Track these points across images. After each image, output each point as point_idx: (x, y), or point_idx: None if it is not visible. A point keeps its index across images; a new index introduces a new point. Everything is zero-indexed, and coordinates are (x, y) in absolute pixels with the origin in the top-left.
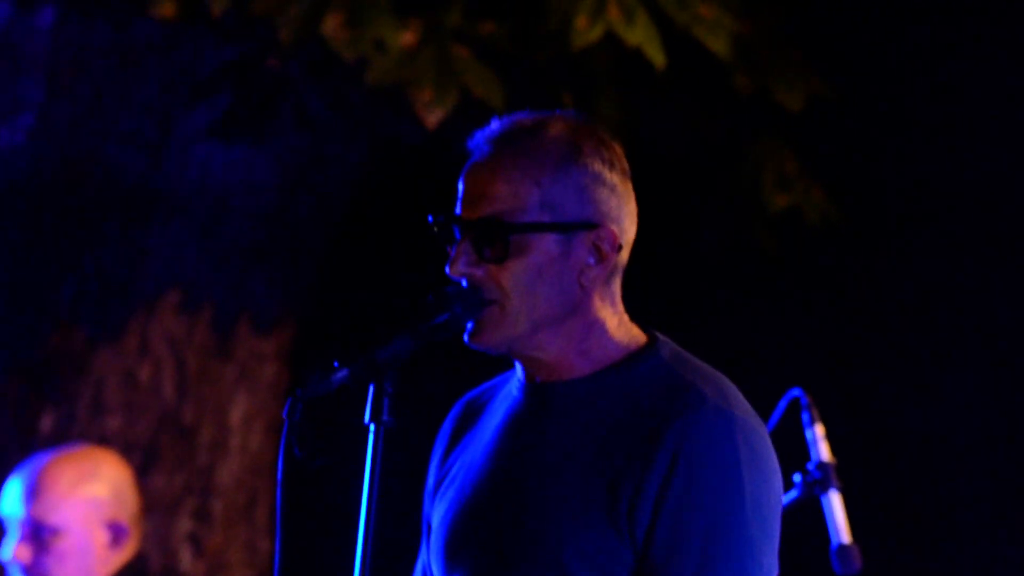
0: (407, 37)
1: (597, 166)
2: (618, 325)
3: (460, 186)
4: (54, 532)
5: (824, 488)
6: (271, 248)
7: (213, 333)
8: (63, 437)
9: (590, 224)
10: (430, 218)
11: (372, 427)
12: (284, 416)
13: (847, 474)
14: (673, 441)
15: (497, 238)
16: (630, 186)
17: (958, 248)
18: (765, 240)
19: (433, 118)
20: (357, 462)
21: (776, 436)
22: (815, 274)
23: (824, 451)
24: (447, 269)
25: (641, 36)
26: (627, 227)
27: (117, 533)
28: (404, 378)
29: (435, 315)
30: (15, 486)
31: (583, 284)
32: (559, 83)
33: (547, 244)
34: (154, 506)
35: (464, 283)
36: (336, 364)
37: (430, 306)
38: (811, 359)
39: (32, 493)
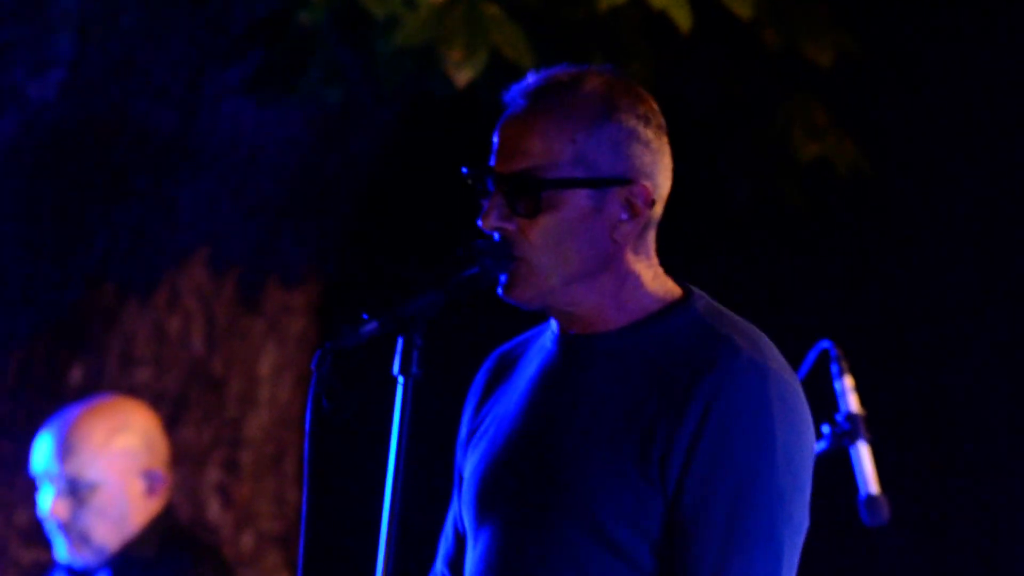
0: None
1: (632, 122)
2: (653, 278)
3: (495, 139)
4: (91, 487)
5: (853, 439)
6: (300, 203)
7: (242, 287)
8: (93, 389)
9: (624, 180)
10: (464, 170)
11: (401, 379)
12: (313, 368)
13: (876, 425)
14: (706, 393)
15: (529, 193)
16: (666, 141)
17: (988, 201)
18: (792, 193)
19: (463, 77)
20: (386, 415)
21: (806, 387)
22: (845, 226)
23: (853, 402)
24: (479, 222)
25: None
26: (661, 182)
27: (152, 481)
28: (436, 330)
29: (465, 268)
30: (47, 442)
31: (616, 239)
32: (588, 41)
33: (580, 199)
34: (183, 457)
35: (496, 236)
36: (365, 316)
37: (460, 259)
38: (840, 311)
39: (65, 449)
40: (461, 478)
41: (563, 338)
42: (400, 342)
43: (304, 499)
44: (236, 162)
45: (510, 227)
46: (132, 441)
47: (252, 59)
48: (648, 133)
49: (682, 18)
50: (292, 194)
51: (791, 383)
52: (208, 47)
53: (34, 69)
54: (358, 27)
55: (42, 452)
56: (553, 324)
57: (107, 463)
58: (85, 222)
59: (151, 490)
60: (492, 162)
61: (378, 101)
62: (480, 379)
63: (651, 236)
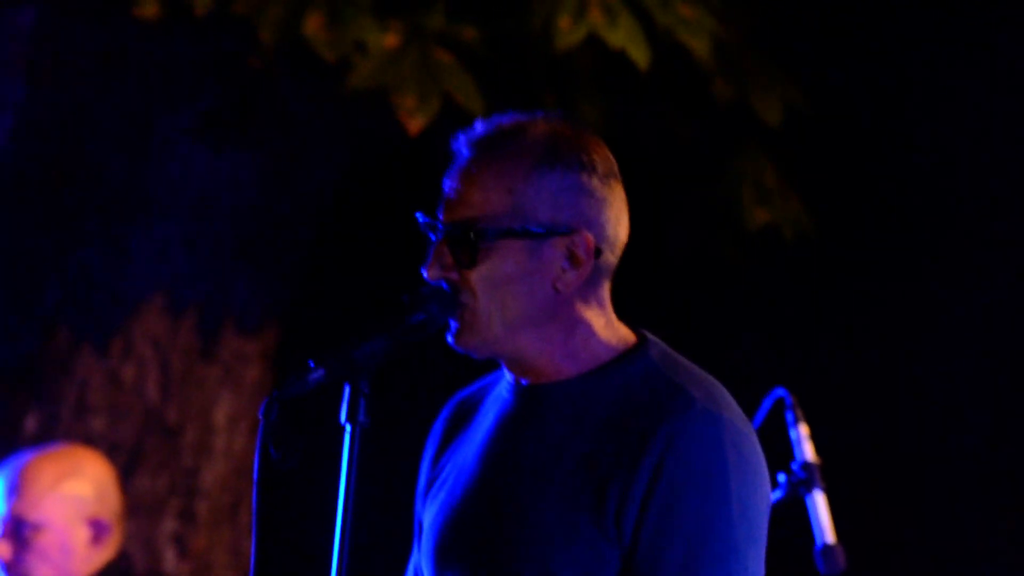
0: (389, 39)
1: (574, 171)
2: (605, 325)
3: (444, 188)
4: (35, 528)
5: (809, 488)
6: (254, 249)
7: (197, 334)
8: (47, 437)
9: (563, 230)
10: (418, 216)
11: (348, 427)
12: (260, 416)
13: (831, 474)
14: (660, 443)
15: (467, 244)
16: (617, 188)
17: (942, 245)
18: (732, 255)
19: (416, 125)
20: (338, 463)
21: (761, 435)
22: (797, 274)
23: (809, 451)
24: (423, 271)
25: (624, 37)
26: (610, 231)
27: (98, 530)
28: (386, 378)
29: (411, 315)
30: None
31: (558, 288)
32: (541, 85)
33: (517, 250)
34: (138, 507)
35: (444, 285)
36: (312, 364)
37: (406, 306)
38: (795, 360)
39: (13, 490)
40: (421, 527)
41: (517, 388)
42: (347, 389)
43: (252, 549)
44: (188, 207)
45: (452, 276)
46: (81, 488)
47: (203, 103)
48: (593, 181)
49: (640, 56)
50: (245, 239)
51: (746, 432)
52: (159, 91)
53: None
54: (309, 70)
55: None
56: (507, 373)
57: (52, 506)
58: (37, 269)
59: (97, 539)
60: (440, 211)
61: (330, 144)
62: (438, 427)
63: (604, 285)
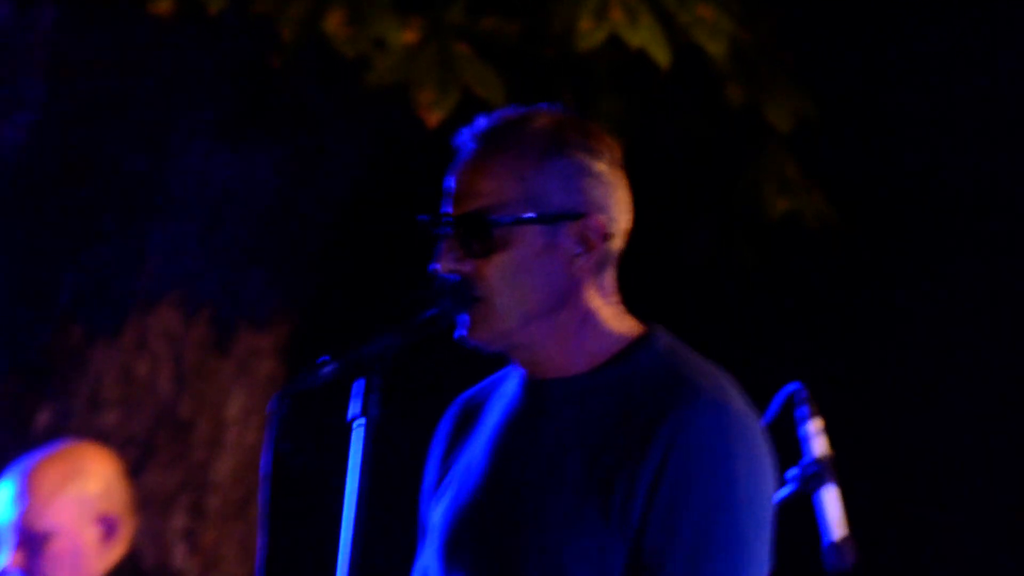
0: (408, 35)
1: (582, 156)
2: (614, 315)
3: (448, 183)
4: (45, 535)
5: (820, 483)
6: (270, 245)
7: (211, 329)
8: (60, 432)
9: (575, 214)
10: (421, 217)
11: (360, 421)
12: (270, 411)
13: (844, 470)
14: (666, 434)
15: (481, 233)
16: (621, 175)
17: (956, 246)
18: (750, 255)
19: (434, 118)
20: (348, 458)
21: (774, 429)
22: (813, 271)
23: (821, 445)
24: (434, 266)
25: (645, 37)
26: (617, 216)
27: (108, 527)
28: (398, 374)
29: (423, 310)
30: (5, 493)
31: (572, 274)
32: (561, 82)
33: (532, 237)
34: (149, 502)
35: (455, 279)
36: (324, 359)
37: (418, 301)
38: (810, 355)
39: (19, 498)
40: (427, 527)
41: (527, 383)
42: (359, 384)
43: (261, 544)
44: (205, 204)
45: (465, 268)
46: (86, 487)
47: (221, 101)
48: (600, 166)
49: (661, 56)
50: (261, 236)
51: (752, 423)
52: (177, 89)
53: (3, 111)
54: (328, 68)
55: (1, 504)
56: (516, 369)
57: (59, 511)
58: (54, 264)
59: (108, 536)
60: (446, 207)
61: (348, 142)
62: (445, 426)
63: (610, 272)
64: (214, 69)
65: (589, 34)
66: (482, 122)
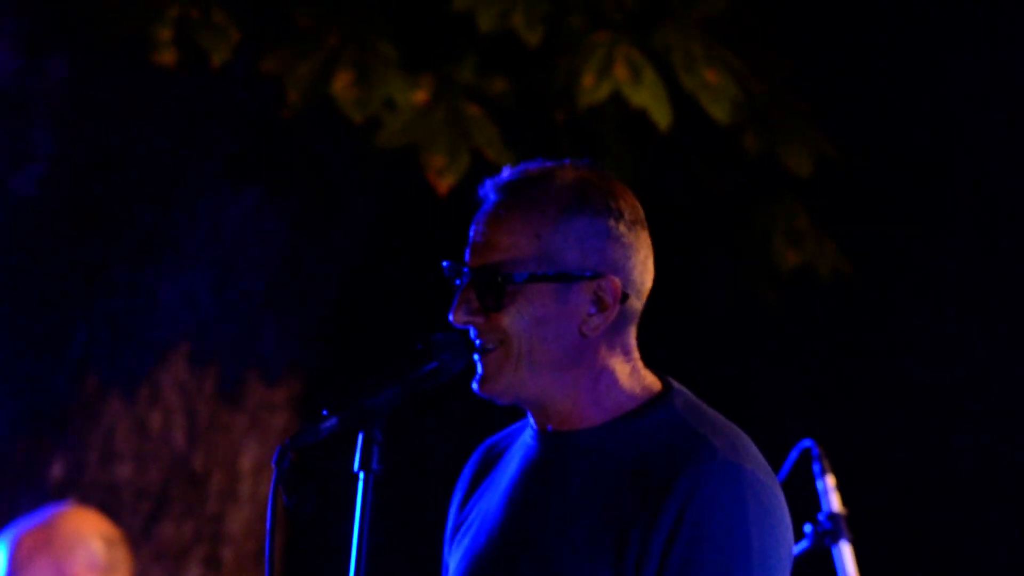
0: (418, 95)
1: (602, 216)
2: (630, 374)
3: (470, 233)
4: None
5: (835, 539)
6: (282, 297)
7: (224, 382)
8: (73, 484)
9: (590, 274)
10: (444, 264)
11: (361, 475)
12: (273, 464)
13: (858, 526)
14: (681, 494)
15: (495, 287)
16: (643, 235)
17: (969, 296)
18: (770, 296)
19: (444, 185)
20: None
21: (787, 486)
22: (827, 326)
23: (835, 502)
24: (450, 316)
25: (647, 97)
26: (636, 277)
27: None
28: (404, 425)
29: (424, 363)
30: None
31: (584, 333)
32: (567, 139)
33: (544, 294)
34: (164, 554)
35: (472, 332)
36: (325, 412)
37: (418, 354)
38: (823, 411)
39: (5, 565)
40: (446, 570)
41: (541, 435)
42: (360, 438)
43: None
44: (217, 256)
45: (479, 320)
46: (60, 556)
47: (233, 152)
48: (620, 227)
49: (661, 117)
50: (273, 288)
51: (768, 484)
52: (189, 140)
53: (14, 162)
54: (339, 123)
55: None
56: (531, 420)
57: None
58: (66, 316)
59: None
60: (466, 256)
61: (359, 194)
62: (467, 472)
63: (629, 331)
64: (224, 120)
65: (591, 91)
66: (506, 174)
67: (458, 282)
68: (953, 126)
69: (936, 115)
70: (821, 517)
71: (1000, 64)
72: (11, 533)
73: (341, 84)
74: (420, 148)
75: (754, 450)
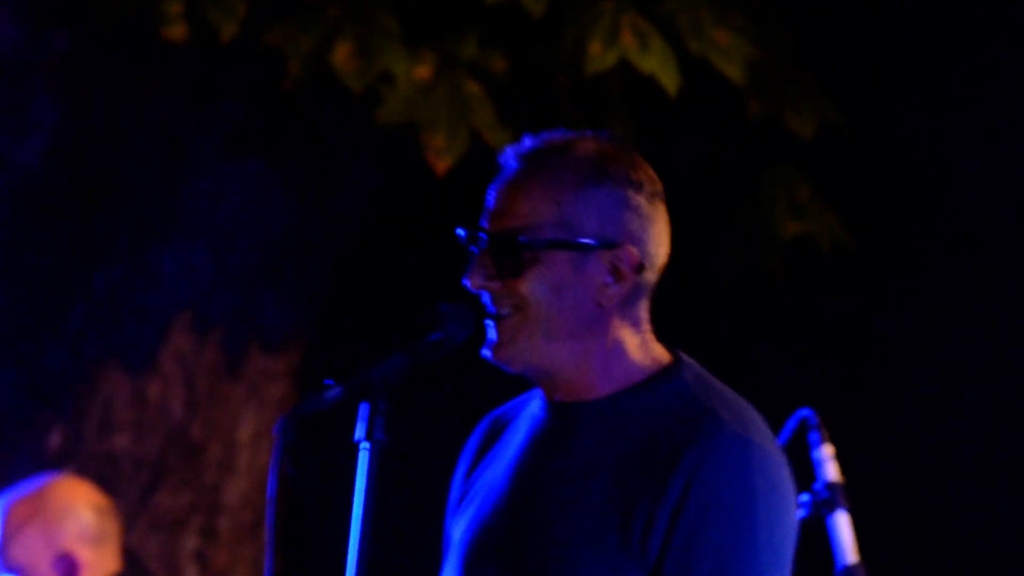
0: (420, 71)
1: (622, 187)
2: (639, 346)
3: (488, 199)
4: (13, 572)
5: (832, 508)
6: (282, 268)
7: (222, 352)
8: (71, 455)
9: (608, 243)
10: (459, 230)
11: (365, 445)
12: (275, 434)
13: (856, 495)
14: (688, 466)
15: (512, 253)
16: (660, 208)
17: (968, 268)
18: (773, 267)
19: (443, 166)
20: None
21: (784, 455)
22: (826, 297)
23: (832, 471)
24: (464, 280)
25: (655, 63)
26: (652, 249)
27: (69, 565)
28: (409, 396)
29: (428, 333)
30: None
31: (600, 302)
32: (571, 107)
33: (562, 261)
34: (161, 524)
35: (485, 297)
36: (329, 382)
37: (423, 324)
38: (821, 380)
39: None
40: (449, 542)
41: (549, 405)
42: (364, 408)
43: (268, 566)
44: (217, 227)
45: (494, 285)
46: (47, 524)
47: (234, 124)
48: (639, 199)
49: (670, 82)
50: (273, 259)
51: (775, 457)
52: (190, 112)
53: (17, 134)
54: (340, 95)
55: None
56: (539, 391)
57: (22, 548)
58: (66, 286)
59: (70, 573)
60: (483, 222)
61: (360, 167)
62: (472, 444)
63: (642, 304)
64: (226, 91)
65: (599, 58)
66: (527, 142)
67: (473, 248)
68: (956, 99)
69: (939, 87)
70: (818, 487)
71: (1008, 36)
72: (1, 503)
73: (341, 55)
74: (420, 127)
75: (762, 424)
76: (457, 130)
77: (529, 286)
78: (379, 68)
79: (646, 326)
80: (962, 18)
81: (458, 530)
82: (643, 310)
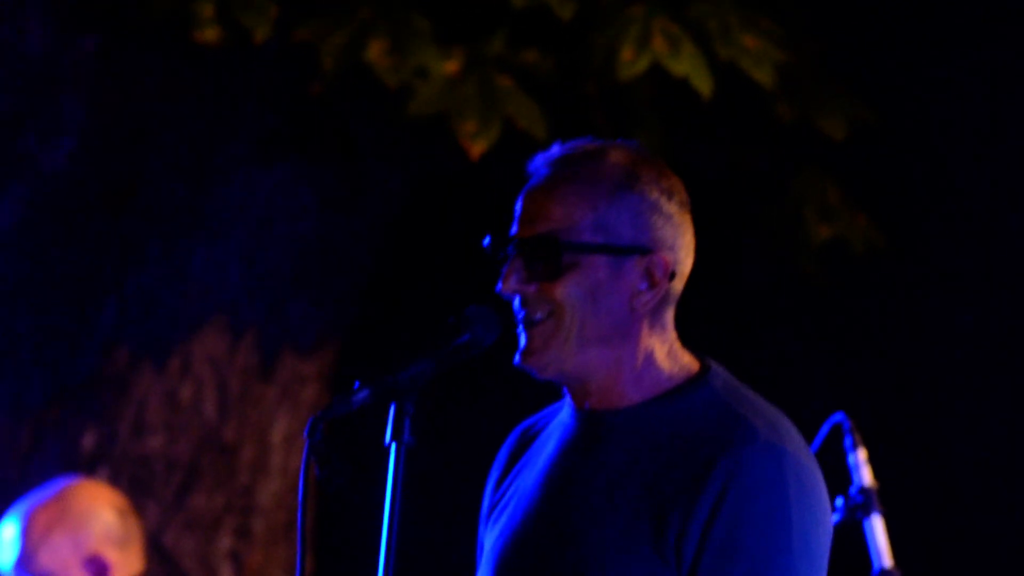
0: (450, 66)
1: (654, 194)
2: (667, 354)
3: (517, 207)
4: None
5: (866, 512)
6: (313, 271)
7: (255, 354)
8: (105, 457)
9: (643, 249)
10: (486, 239)
11: (393, 447)
12: (305, 437)
13: (889, 499)
14: (722, 475)
15: (549, 256)
16: (688, 218)
17: (1003, 269)
18: (809, 269)
19: (477, 149)
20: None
21: (818, 460)
22: (859, 300)
23: (867, 475)
24: (498, 287)
25: (687, 67)
26: (682, 257)
27: (99, 568)
28: (438, 399)
29: (456, 336)
30: (8, 532)
31: (634, 308)
32: (601, 112)
33: (598, 265)
34: (195, 524)
35: (517, 303)
36: (357, 385)
37: (451, 328)
38: (855, 384)
39: (13, 545)
40: (482, 550)
41: (580, 413)
42: (392, 410)
43: (298, 566)
44: (248, 229)
45: (530, 290)
46: (75, 529)
47: (264, 126)
48: (671, 207)
49: (703, 85)
50: (304, 261)
51: (808, 465)
52: (220, 115)
53: (45, 138)
54: (370, 96)
55: (3, 548)
56: (569, 399)
57: (49, 554)
58: (97, 289)
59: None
60: (514, 229)
61: (390, 169)
62: (503, 453)
63: (669, 313)
64: (256, 94)
65: (631, 64)
66: (557, 149)
67: (502, 255)
68: (987, 97)
69: (969, 86)
70: (852, 491)
71: None
72: (20, 510)
73: (376, 52)
74: (452, 115)
75: (794, 432)
76: (489, 117)
77: (565, 290)
78: (413, 63)
79: (673, 334)
80: (990, 17)
81: (491, 539)
82: (669, 318)
